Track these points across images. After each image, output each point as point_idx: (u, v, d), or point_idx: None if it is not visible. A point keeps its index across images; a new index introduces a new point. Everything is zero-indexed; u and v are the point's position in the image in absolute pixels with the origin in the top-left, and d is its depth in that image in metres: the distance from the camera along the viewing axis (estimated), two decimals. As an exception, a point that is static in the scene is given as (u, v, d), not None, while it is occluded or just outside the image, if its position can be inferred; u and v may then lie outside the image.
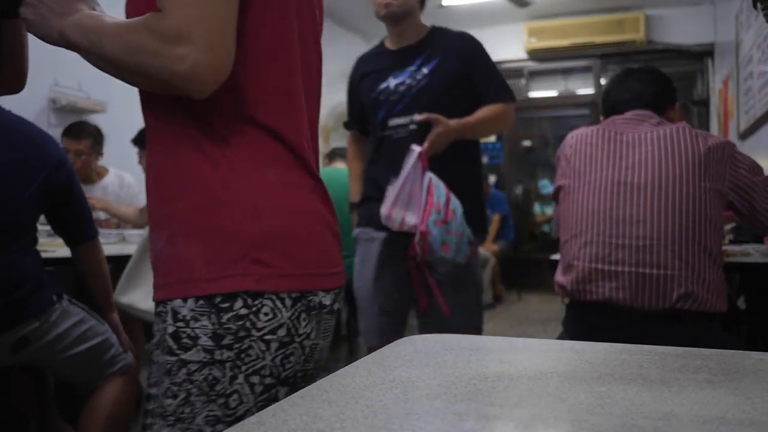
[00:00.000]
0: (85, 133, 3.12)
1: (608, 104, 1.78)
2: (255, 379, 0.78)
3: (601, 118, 1.81)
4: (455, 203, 1.75)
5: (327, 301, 0.85)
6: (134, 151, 3.22)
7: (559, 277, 1.69)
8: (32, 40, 0.97)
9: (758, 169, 1.58)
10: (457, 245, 1.69)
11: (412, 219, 1.74)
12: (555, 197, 1.77)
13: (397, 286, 1.96)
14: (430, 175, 1.76)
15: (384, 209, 1.78)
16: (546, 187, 7.75)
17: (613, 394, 0.48)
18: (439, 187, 1.73)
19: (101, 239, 1.92)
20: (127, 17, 0.83)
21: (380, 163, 1.97)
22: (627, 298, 1.54)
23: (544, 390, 0.49)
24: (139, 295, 1.94)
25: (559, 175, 1.73)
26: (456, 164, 1.92)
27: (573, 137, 1.73)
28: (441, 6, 6.02)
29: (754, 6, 1.24)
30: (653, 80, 1.73)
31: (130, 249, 2.31)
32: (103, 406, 1.81)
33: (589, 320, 1.62)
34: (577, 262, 1.61)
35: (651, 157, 1.56)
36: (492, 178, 7.15)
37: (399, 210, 1.76)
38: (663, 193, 1.53)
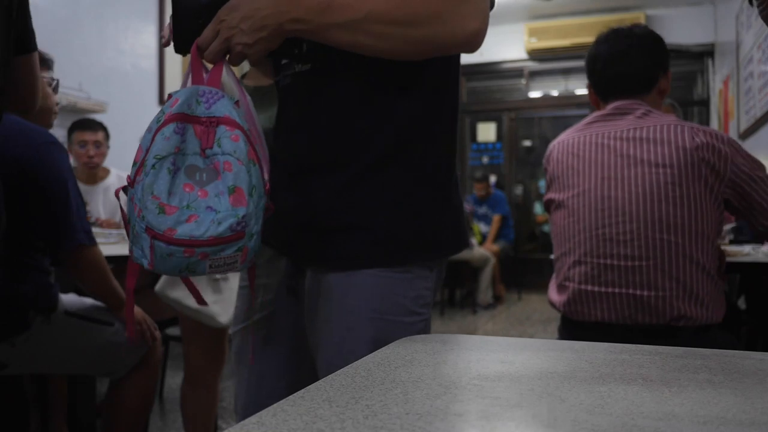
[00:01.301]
0: (99, 125, 3.20)
1: (596, 73, 1.65)
2: None
3: (587, 83, 1.71)
4: (152, 149, 0.82)
5: None
6: (134, 151, 3.22)
7: (553, 295, 1.67)
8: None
9: (761, 165, 1.52)
10: (133, 232, 0.81)
11: None
12: (547, 209, 1.73)
13: (290, 336, 1.07)
14: (177, 92, 0.85)
15: None
16: None
17: (614, 394, 0.48)
18: (162, 115, 0.84)
19: (101, 239, 1.91)
20: None
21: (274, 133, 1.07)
22: (620, 318, 1.51)
23: (544, 390, 0.49)
24: (185, 291, 1.87)
25: (546, 186, 1.69)
26: (339, 108, 0.94)
27: (555, 147, 1.68)
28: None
29: (750, 2, 1.22)
30: (647, 51, 1.61)
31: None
32: (121, 401, 1.83)
33: (584, 336, 1.60)
34: (569, 282, 1.59)
35: (635, 167, 1.50)
36: (492, 178, 7.16)
37: None
38: (649, 209, 1.47)
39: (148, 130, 0.83)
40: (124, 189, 0.85)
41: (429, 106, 0.96)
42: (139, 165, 0.81)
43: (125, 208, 0.83)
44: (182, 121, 0.82)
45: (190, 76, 0.88)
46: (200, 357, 1.87)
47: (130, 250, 0.84)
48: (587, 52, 1.70)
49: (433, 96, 0.96)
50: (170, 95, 0.84)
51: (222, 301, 1.78)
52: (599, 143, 1.57)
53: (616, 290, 1.51)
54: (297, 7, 0.85)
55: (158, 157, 0.80)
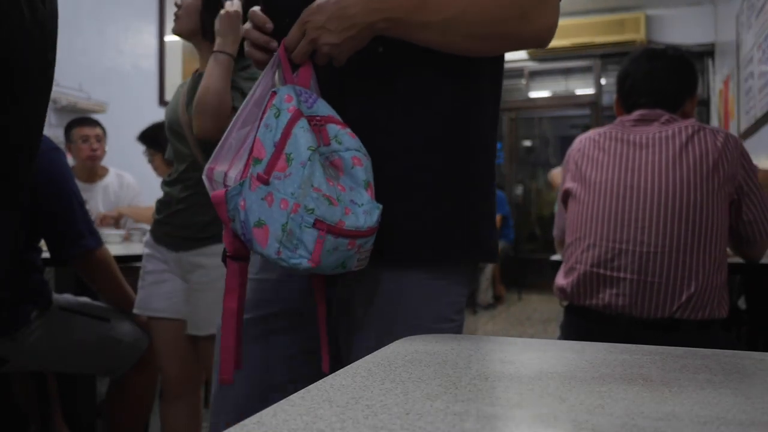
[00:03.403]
0: (96, 121, 3.23)
1: (625, 90, 1.71)
2: None
3: (615, 96, 1.78)
4: (299, 141, 0.78)
5: None
6: (134, 151, 3.22)
7: (560, 280, 1.69)
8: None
9: (756, 173, 1.59)
10: (283, 230, 0.75)
11: (234, 175, 0.85)
12: (564, 200, 1.76)
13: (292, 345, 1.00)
14: (282, 90, 0.83)
15: (209, 162, 0.87)
16: None
17: (614, 394, 0.48)
18: (281, 111, 0.81)
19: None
20: None
21: None
22: (627, 305, 1.53)
23: (544, 390, 0.49)
24: (167, 302, 1.79)
25: (568, 178, 1.72)
26: (394, 96, 0.91)
27: (581, 141, 1.71)
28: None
29: None
30: (677, 76, 1.67)
31: (134, 249, 2.30)
32: (121, 401, 1.83)
33: (587, 325, 1.61)
34: (579, 265, 1.61)
35: (658, 160, 1.55)
36: (492, 179, 7.16)
37: (225, 161, 0.86)
38: (669, 200, 1.51)
39: (265, 125, 0.80)
40: (228, 193, 0.79)
41: (480, 107, 0.94)
42: (272, 159, 0.77)
43: (243, 214, 0.78)
44: (305, 117, 0.80)
45: (277, 75, 0.87)
46: (175, 368, 1.78)
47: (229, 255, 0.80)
48: (621, 67, 1.75)
49: (484, 98, 0.95)
50: (274, 92, 0.83)
51: (194, 312, 1.68)
52: (625, 139, 1.62)
53: (627, 276, 1.53)
54: (389, 5, 0.82)
55: (312, 148, 0.77)
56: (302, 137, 0.78)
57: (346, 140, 0.83)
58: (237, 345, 0.83)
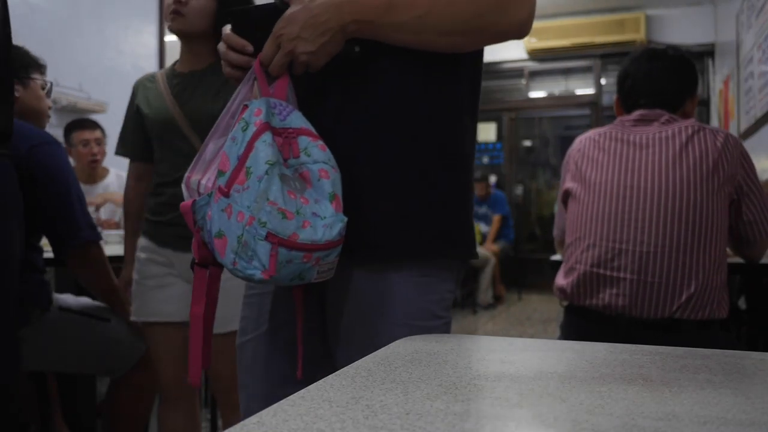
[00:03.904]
0: (96, 123, 3.25)
1: (625, 90, 1.71)
2: None
3: (615, 97, 1.77)
4: (259, 156, 0.80)
5: None
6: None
7: (560, 280, 1.69)
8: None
9: (760, 184, 1.59)
10: (239, 242, 0.78)
11: (206, 184, 0.88)
12: (564, 200, 1.76)
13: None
14: (253, 103, 0.84)
15: (188, 171, 0.90)
16: None
17: (614, 394, 0.48)
18: (249, 124, 0.82)
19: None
20: None
21: None
22: (626, 305, 1.53)
23: (544, 390, 0.49)
24: (172, 305, 1.76)
25: (568, 178, 1.72)
26: (370, 94, 0.91)
27: (581, 141, 1.71)
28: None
29: None
30: (678, 76, 1.67)
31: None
32: (121, 401, 1.83)
33: (587, 325, 1.61)
34: (579, 265, 1.61)
35: (658, 161, 1.55)
36: (492, 178, 7.16)
37: (200, 170, 0.89)
38: (669, 200, 1.51)
39: (232, 138, 0.81)
40: (195, 203, 0.83)
41: (459, 105, 0.95)
42: (233, 173, 0.79)
43: (209, 224, 0.80)
44: (270, 131, 0.81)
45: (255, 88, 0.88)
46: (175, 371, 1.73)
47: (197, 265, 0.83)
48: (621, 67, 1.75)
49: (463, 95, 0.95)
50: (246, 105, 0.83)
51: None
52: (625, 139, 1.62)
53: (627, 276, 1.53)
54: (359, 7, 0.84)
55: (270, 162, 0.78)
56: (263, 151, 0.80)
57: (315, 153, 0.84)
58: (204, 348, 0.86)
